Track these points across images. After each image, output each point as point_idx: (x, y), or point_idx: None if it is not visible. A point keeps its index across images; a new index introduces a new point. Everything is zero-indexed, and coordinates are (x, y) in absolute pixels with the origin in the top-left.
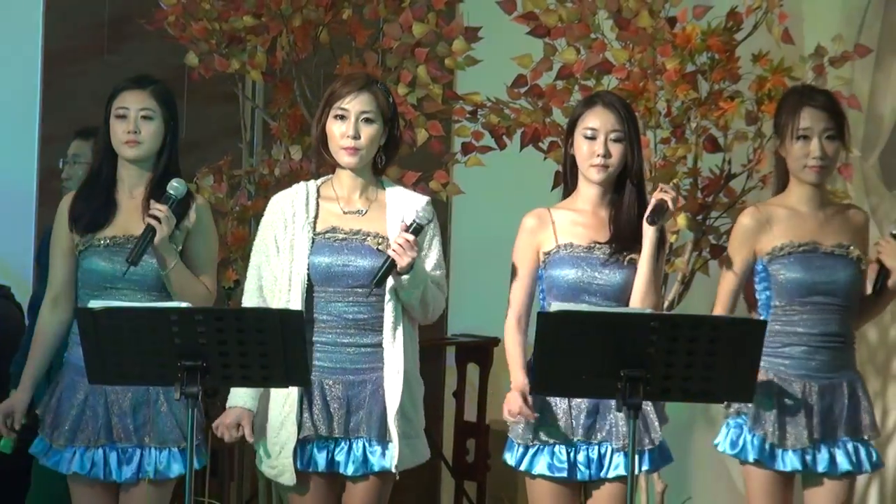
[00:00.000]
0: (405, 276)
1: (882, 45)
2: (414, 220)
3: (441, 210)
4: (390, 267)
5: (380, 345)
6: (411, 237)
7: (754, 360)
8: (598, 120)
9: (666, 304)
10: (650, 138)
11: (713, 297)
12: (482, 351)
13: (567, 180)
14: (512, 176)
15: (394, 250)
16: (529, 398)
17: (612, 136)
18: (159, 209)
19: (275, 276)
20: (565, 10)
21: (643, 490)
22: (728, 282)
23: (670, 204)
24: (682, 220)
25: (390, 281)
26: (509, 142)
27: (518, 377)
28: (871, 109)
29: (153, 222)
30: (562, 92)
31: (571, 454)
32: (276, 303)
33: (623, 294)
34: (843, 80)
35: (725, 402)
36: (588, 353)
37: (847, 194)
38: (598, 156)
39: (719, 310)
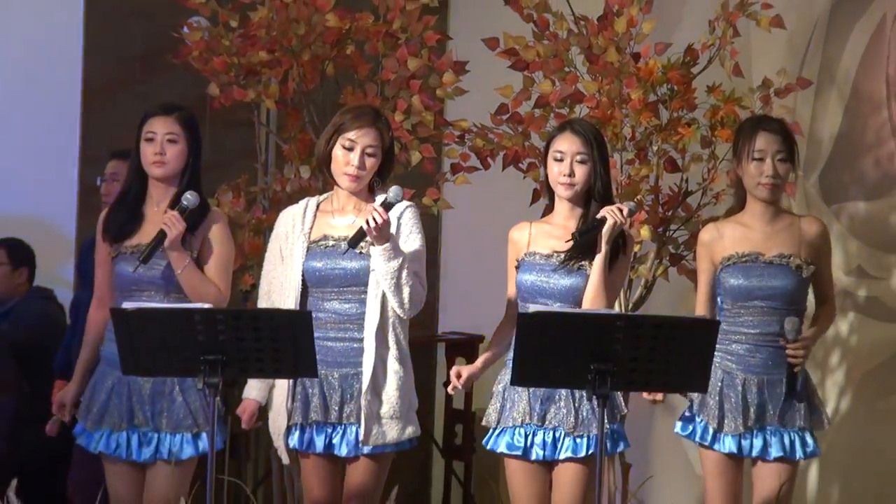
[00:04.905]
0: (382, 247)
1: (821, 78)
2: (385, 198)
3: (432, 223)
4: (362, 234)
5: None
6: (380, 209)
7: (708, 355)
8: (565, 144)
9: (630, 305)
10: (617, 160)
11: (673, 299)
12: (469, 347)
13: (549, 195)
14: (495, 193)
15: (366, 221)
16: (466, 374)
17: (578, 157)
18: (172, 214)
19: (280, 283)
20: (542, 46)
21: (608, 470)
22: (699, 292)
23: (609, 221)
24: (644, 231)
25: (377, 278)
26: (493, 163)
27: (477, 359)
28: (811, 134)
29: (164, 227)
30: (539, 119)
31: (529, 436)
32: (283, 306)
33: (574, 296)
34: (787, 109)
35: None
36: (562, 349)
37: (791, 210)
38: (565, 175)
39: (700, 313)
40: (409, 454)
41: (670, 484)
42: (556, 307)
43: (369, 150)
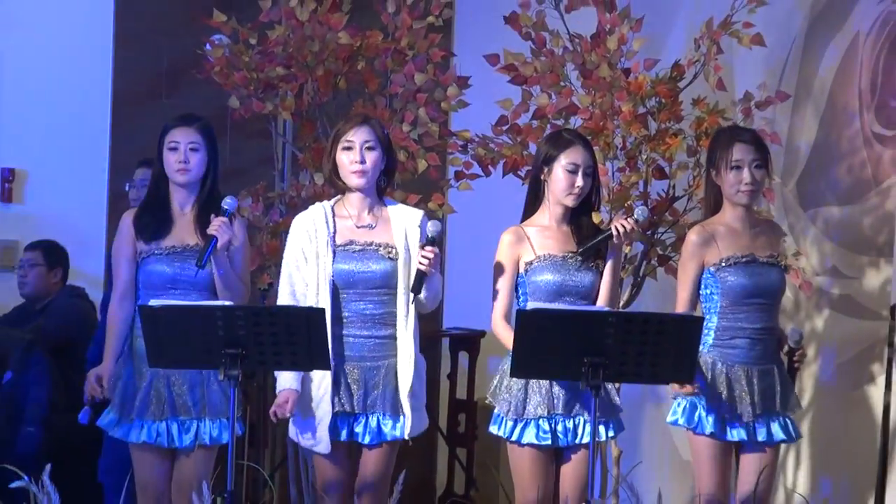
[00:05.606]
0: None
1: (798, 92)
2: (429, 236)
3: None
4: (422, 275)
5: (391, 336)
6: (429, 248)
7: (693, 348)
8: (579, 157)
9: (622, 303)
10: (608, 168)
11: (661, 296)
12: (471, 341)
13: (531, 200)
14: (496, 198)
15: (421, 263)
16: None
17: (588, 170)
18: (221, 221)
19: (305, 283)
20: (539, 62)
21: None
22: (683, 288)
23: (619, 234)
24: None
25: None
26: (493, 170)
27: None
28: (789, 144)
29: (215, 232)
30: (536, 130)
31: (552, 425)
32: (308, 304)
33: (593, 293)
34: (767, 120)
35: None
36: (557, 343)
37: (770, 214)
38: (578, 187)
39: (681, 311)
40: (416, 441)
41: (658, 469)
42: (580, 304)
43: (367, 145)
